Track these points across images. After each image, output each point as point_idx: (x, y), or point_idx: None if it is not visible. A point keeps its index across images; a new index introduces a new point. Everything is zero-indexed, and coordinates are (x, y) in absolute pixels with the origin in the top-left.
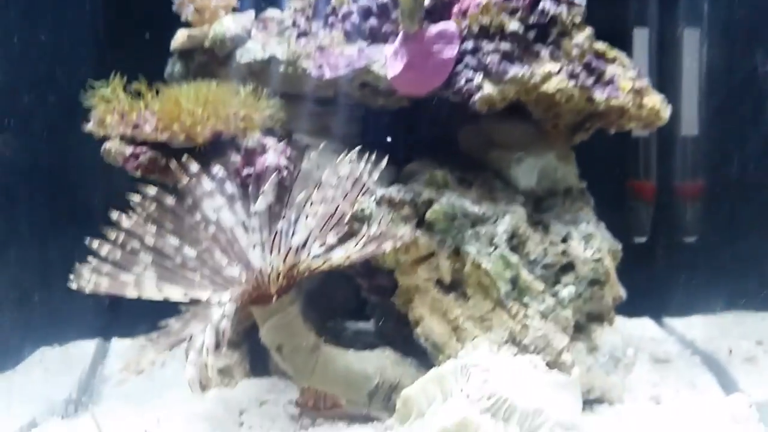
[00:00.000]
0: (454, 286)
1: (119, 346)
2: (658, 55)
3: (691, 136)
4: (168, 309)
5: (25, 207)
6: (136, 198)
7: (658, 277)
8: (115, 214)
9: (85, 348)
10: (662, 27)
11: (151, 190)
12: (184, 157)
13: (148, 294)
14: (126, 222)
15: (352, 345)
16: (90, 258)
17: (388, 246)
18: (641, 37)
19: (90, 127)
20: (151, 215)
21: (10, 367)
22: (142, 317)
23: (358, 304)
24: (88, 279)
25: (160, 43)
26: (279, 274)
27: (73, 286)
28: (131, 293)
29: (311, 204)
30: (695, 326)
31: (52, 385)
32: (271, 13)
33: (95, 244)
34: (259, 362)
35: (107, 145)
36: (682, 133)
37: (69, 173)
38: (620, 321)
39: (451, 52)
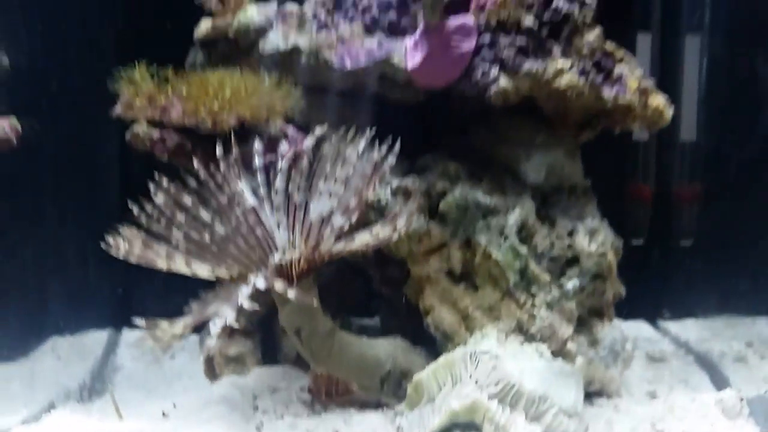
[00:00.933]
0: (465, 277)
1: (130, 336)
2: (660, 60)
3: (689, 141)
4: (179, 300)
5: (44, 194)
6: (164, 180)
7: (654, 279)
8: (151, 189)
9: (96, 338)
10: (663, 33)
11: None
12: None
13: (177, 268)
14: (159, 198)
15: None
16: (124, 226)
17: (401, 229)
18: (644, 42)
19: (118, 110)
20: (178, 197)
21: (24, 355)
22: (152, 308)
23: (365, 301)
24: (122, 246)
25: (181, 33)
26: (300, 256)
27: (109, 250)
28: (161, 265)
29: (332, 182)
30: (688, 328)
31: (66, 373)
32: (291, 6)
33: (134, 209)
34: (270, 351)
35: (135, 128)
36: (681, 137)
37: (89, 162)
38: (615, 322)
39: (469, 45)
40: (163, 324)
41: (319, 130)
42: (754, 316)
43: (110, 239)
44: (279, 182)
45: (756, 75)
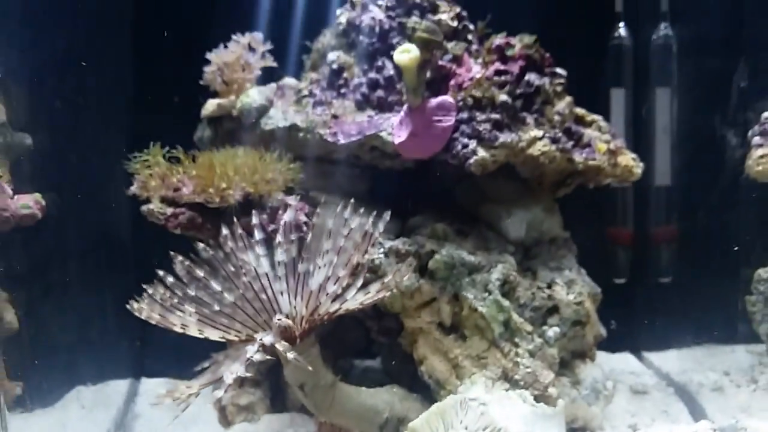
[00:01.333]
0: (454, 328)
1: (148, 385)
2: (634, 112)
3: (664, 186)
4: (192, 352)
5: (68, 260)
6: (178, 256)
7: (637, 315)
8: (175, 262)
9: (117, 387)
10: (636, 88)
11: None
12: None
13: (191, 333)
14: (172, 274)
15: (361, 381)
16: (144, 296)
17: (392, 288)
18: (618, 96)
19: (134, 189)
20: (192, 268)
21: (51, 404)
22: (166, 360)
23: (366, 344)
24: (144, 310)
25: (189, 109)
26: (302, 318)
27: (133, 310)
28: (177, 330)
29: (326, 253)
30: (670, 359)
31: (90, 421)
32: (288, 81)
33: (150, 289)
34: (278, 399)
35: (150, 205)
36: (656, 183)
37: (108, 232)
38: (603, 356)
39: (449, 121)
40: (181, 386)
41: (323, 210)
42: (733, 344)
43: (133, 304)
44: (279, 255)
45: (720, 125)
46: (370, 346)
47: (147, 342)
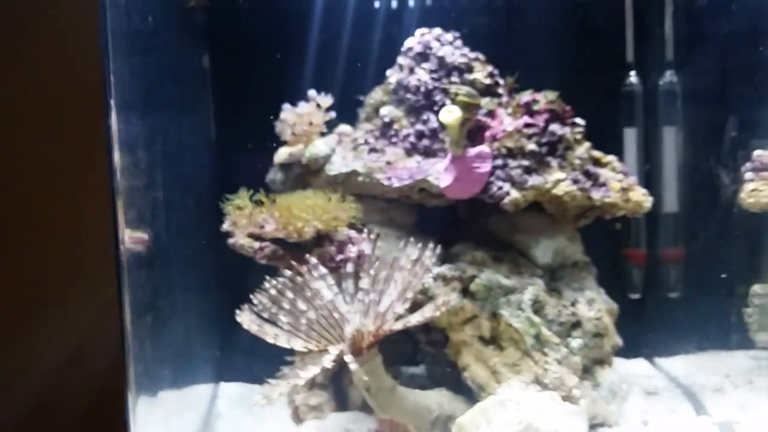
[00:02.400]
0: (493, 341)
1: (226, 389)
2: (644, 148)
3: (672, 213)
4: (262, 361)
5: (171, 287)
6: (271, 282)
7: (649, 325)
8: (269, 284)
9: (199, 391)
10: (646, 126)
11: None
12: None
13: (281, 343)
14: (269, 293)
15: (408, 385)
16: (247, 310)
17: (443, 308)
18: (630, 135)
19: (226, 227)
20: (282, 291)
21: (148, 405)
22: (240, 367)
23: (411, 354)
24: (248, 320)
25: (264, 154)
26: (369, 333)
27: (239, 320)
28: (270, 340)
29: (391, 281)
30: (678, 364)
31: (179, 421)
32: (344, 128)
33: (254, 300)
34: (342, 400)
35: (239, 240)
36: (665, 210)
37: (200, 259)
38: (620, 362)
39: (486, 167)
40: (271, 388)
41: (382, 243)
42: (733, 350)
43: (240, 315)
44: (363, 283)
45: (716, 164)
46: (414, 356)
47: (225, 353)
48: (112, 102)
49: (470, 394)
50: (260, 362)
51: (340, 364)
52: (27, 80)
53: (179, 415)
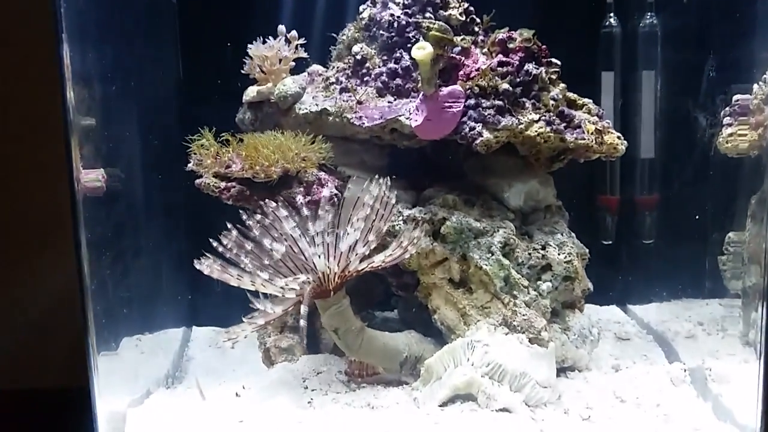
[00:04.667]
0: (462, 283)
1: (198, 333)
2: (622, 93)
3: (648, 159)
4: (233, 305)
5: (133, 229)
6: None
7: (623, 272)
8: (231, 229)
9: (171, 335)
10: (624, 71)
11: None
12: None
13: (245, 286)
14: (230, 236)
15: (382, 328)
16: (207, 254)
17: (408, 248)
18: (608, 78)
19: (192, 166)
20: (245, 233)
21: (114, 350)
22: (213, 311)
23: (385, 298)
24: (207, 267)
25: (233, 93)
26: (335, 275)
27: (199, 267)
28: (233, 283)
29: (355, 221)
30: (651, 311)
31: (151, 364)
32: (316, 67)
33: (214, 243)
34: (313, 343)
35: (205, 180)
36: (641, 156)
37: (168, 202)
38: (592, 308)
39: (458, 107)
40: (237, 328)
41: (352, 185)
42: (708, 299)
43: (199, 263)
44: (318, 226)
45: (694, 107)
46: (388, 300)
47: (196, 296)
48: (64, 34)
49: (439, 337)
50: (233, 306)
51: (312, 307)
52: None
53: (148, 360)
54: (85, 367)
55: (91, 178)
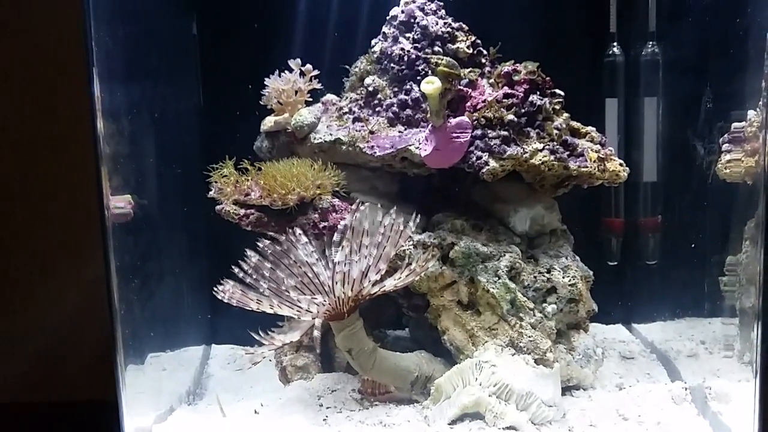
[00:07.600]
0: (470, 306)
1: (217, 351)
2: (625, 119)
3: (651, 182)
4: (249, 323)
5: (157, 253)
6: (252, 254)
7: (627, 292)
8: (249, 255)
9: (192, 353)
10: (627, 97)
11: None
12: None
13: (264, 309)
14: (251, 260)
15: (393, 348)
16: (227, 280)
17: (418, 272)
18: (612, 105)
19: (213, 194)
20: (265, 257)
21: (138, 366)
22: (232, 330)
23: (397, 317)
24: (227, 292)
25: (251, 122)
26: (349, 299)
27: (218, 295)
28: (253, 307)
29: (366, 247)
30: (655, 330)
31: (174, 381)
32: (330, 97)
33: (236, 269)
34: (327, 362)
35: (225, 207)
36: (644, 179)
37: (189, 228)
38: (598, 327)
39: (465, 138)
40: (258, 348)
41: (364, 211)
42: (710, 318)
43: (218, 288)
44: (338, 256)
45: (693, 134)
46: (400, 319)
47: (216, 315)
48: (95, 70)
49: (449, 356)
50: (251, 325)
51: (326, 328)
52: (10, 48)
53: (170, 377)
54: (113, 381)
55: (119, 205)
